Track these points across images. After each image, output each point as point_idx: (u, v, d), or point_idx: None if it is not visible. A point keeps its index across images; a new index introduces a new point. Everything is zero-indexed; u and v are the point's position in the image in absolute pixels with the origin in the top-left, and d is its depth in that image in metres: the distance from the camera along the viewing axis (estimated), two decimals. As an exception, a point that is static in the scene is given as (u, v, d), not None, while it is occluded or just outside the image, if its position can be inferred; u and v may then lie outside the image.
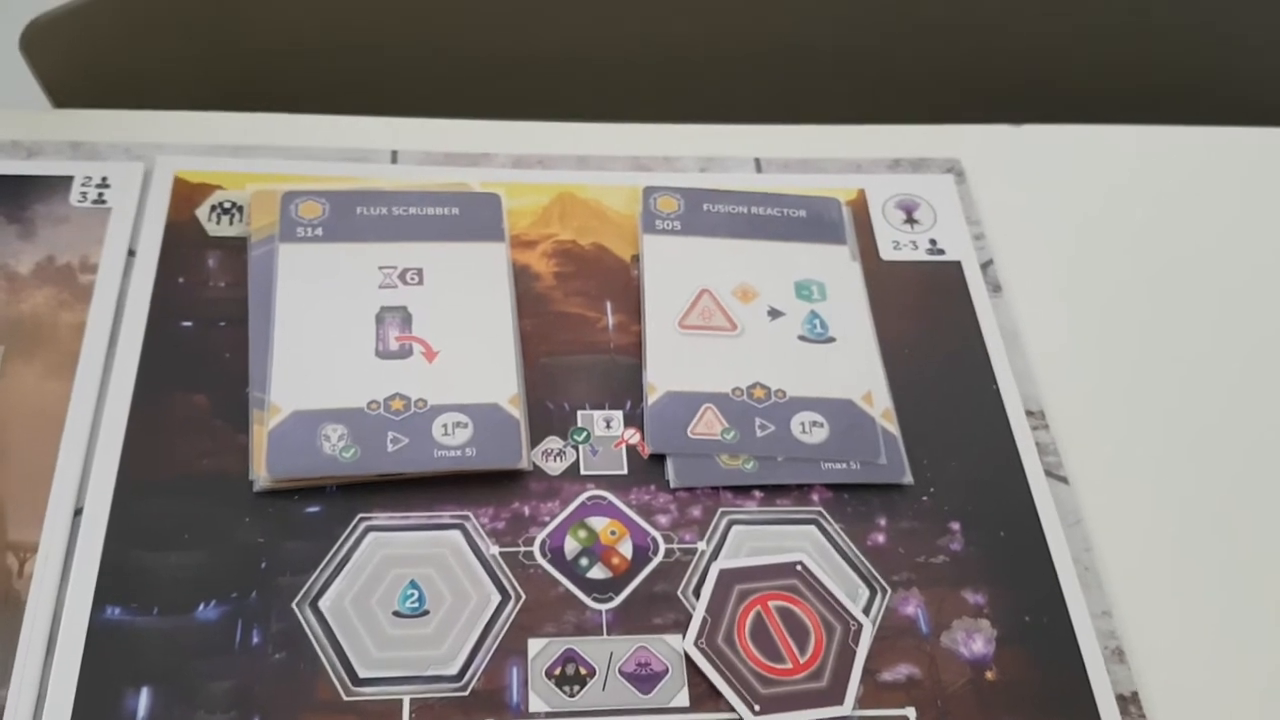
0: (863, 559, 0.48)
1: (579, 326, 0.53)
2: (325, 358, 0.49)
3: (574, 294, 0.54)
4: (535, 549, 0.47)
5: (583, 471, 0.49)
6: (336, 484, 0.47)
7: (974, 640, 0.46)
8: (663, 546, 0.47)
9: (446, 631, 0.44)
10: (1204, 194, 0.63)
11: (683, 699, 0.43)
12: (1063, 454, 0.52)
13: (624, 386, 0.51)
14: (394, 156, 0.58)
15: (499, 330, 0.52)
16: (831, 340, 0.53)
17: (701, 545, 0.47)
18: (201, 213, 0.54)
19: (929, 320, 0.55)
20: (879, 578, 0.47)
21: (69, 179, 0.54)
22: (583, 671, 0.44)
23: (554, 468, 0.49)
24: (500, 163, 0.58)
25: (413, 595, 0.45)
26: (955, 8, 0.70)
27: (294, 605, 0.44)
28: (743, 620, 0.45)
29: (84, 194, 0.54)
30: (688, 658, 0.44)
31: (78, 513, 0.45)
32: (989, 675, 0.45)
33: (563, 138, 0.60)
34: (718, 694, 0.43)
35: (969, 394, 0.53)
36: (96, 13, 0.60)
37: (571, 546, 0.47)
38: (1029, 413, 0.52)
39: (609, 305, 0.54)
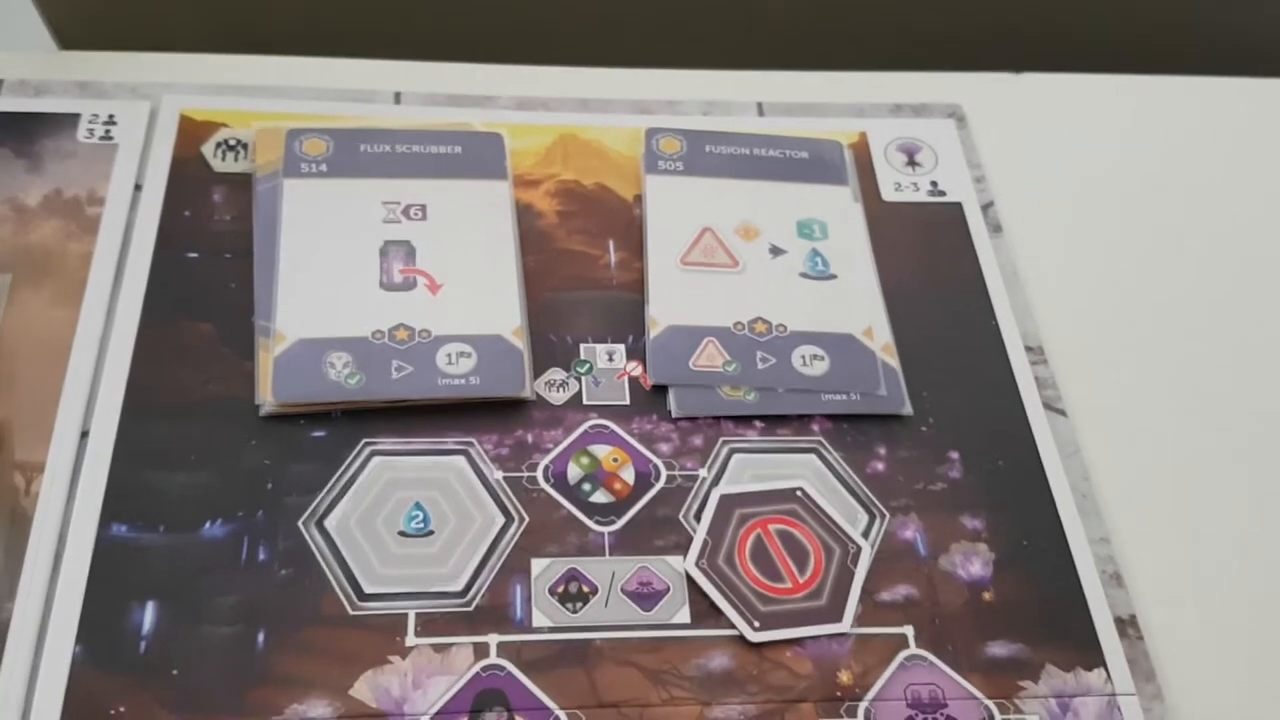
0: (862, 486, 0.48)
1: (582, 263, 0.54)
2: (330, 289, 0.50)
3: (576, 232, 0.55)
4: (539, 474, 0.47)
5: (585, 401, 0.49)
6: (341, 410, 0.47)
7: (971, 563, 0.46)
8: (664, 473, 0.48)
9: (451, 551, 0.45)
10: (1200, 141, 0.63)
11: (684, 616, 0.44)
12: (1061, 388, 0.52)
13: (626, 321, 0.52)
14: (397, 98, 0.58)
15: (502, 265, 0.52)
16: (833, 277, 0.54)
17: (702, 472, 0.48)
18: (207, 149, 0.54)
19: (930, 259, 0.55)
20: (878, 503, 0.48)
21: (76, 116, 0.55)
22: (585, 589, 0.44)
23: (557, 398, 0.49)
24: (503, 105, 0.58)
25: (417, 516, 0.45)
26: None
27: (300, 524, 0.44)
28: (743, 542, 0.46)
29: (91, 130, 0.54)
30: (689, 577, 0.45)
31: (84, 435, 0.46)
32: (986, 596, 0.46)
33: (566, 81, 0.60)
34: (718, 611, 0.44)
35: (969, 330, 0.53)
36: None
37: (574, 472, 0.47)
38: (1028, 348, 0.53)
39: (611, 243, 0.54)
